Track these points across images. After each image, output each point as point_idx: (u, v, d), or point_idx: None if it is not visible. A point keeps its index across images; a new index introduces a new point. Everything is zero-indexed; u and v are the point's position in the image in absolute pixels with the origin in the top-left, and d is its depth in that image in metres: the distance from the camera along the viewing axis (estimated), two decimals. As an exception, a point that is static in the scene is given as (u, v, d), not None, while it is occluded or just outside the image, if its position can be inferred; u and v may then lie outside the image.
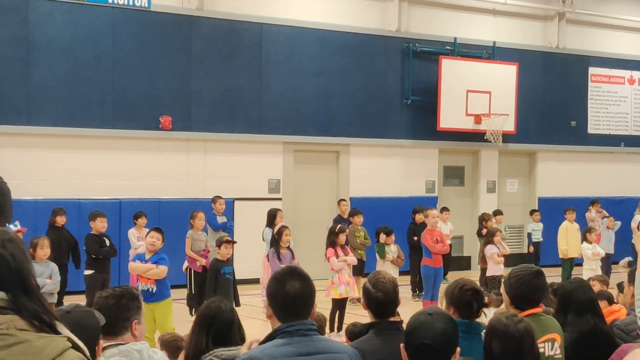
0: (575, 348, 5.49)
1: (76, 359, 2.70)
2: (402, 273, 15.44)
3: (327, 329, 9.95)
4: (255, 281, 15.85)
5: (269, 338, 3.89)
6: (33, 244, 10.65)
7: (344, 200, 17.53)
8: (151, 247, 10.35)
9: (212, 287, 11.63)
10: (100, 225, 13.08)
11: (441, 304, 5.40)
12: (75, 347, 2.72)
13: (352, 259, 12.87)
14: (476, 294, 5.19)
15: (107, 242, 13.08)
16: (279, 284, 3.92)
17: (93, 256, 12.85)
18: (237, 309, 6.61)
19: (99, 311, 4.26)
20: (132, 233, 15.39)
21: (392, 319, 4.92)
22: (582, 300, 5.75)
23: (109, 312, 4.44)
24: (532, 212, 19.86)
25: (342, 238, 12.64)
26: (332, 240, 12.70)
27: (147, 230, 15.22)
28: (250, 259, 16.17)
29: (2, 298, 2.66)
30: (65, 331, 2.74)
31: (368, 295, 4.94)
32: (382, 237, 14.95)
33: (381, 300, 4.88)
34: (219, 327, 4.77)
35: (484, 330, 4.59)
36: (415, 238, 16.07)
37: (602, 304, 7.19)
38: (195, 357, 4.69)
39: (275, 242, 12.83)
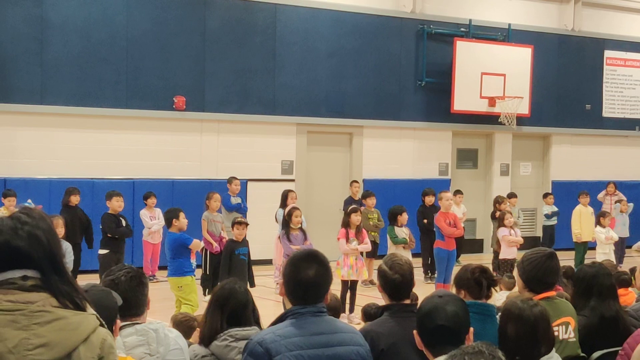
0: (591, 332, 5.49)
1: (107, 335, 2.77)
2: (412, 255, 15.41)
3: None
4: (268, 262, 15.89)
5: (281, 319, 3.94)
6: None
7: (355, 181, 17.51)
8: (186, 227, 11.12)
9: (227, 267, 11.70)
10: (116, 204, 13.08)
11: (452, 289, 5.43)
12: (102, 324, 2.79)
13: (365, 247, 12.62)
14: (483, 272, 5.23)
15: (124, 222, 13.08)
16: (293, 269, 3.97)
17: (109, 235, 12.86)
18: (251, 289, 6.63)
19: (124, 292, 4.30)
20: (144, 213, 15.51)
21: (406, 301, 4.93)
22: (607, 286, 5.73)
23: (135, 292, 4.48)
24: (545, 195, 19.80)
25: (354, 219, 12.53)
26: (345, 222, 12.64)
27: (158, 209, 15.39)
28: (263, 240, 16.19)
29: (36, 277, 2.71)
30: (91, 310, 2.80)
31: (384, 277, 4.94)
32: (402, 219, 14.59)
33: (398, 282, 4.89)
34: (233, 307, 4.79)
35: (499, 314, 4.60)
36: (426, 221, 16.05)
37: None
38: (211, 337, 4.72)
39: (286, 223, 12.83)
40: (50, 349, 2.60)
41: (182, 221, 10.91)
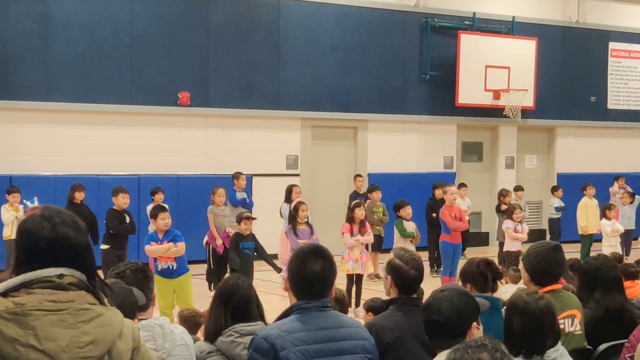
0: (597, 325, 5.48)
1: (134, 325, 2.89)
2: (417, 249, 15.36)
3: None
4: (274, 257, 15.85)
5: (286, 314, 3.95)
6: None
7: (359, 175, 17.51)
8: (166, 228, 10.40)
9: (236, 255, 11.77)
10: (122, 201, 12.99)
11: (458, 282, 5.43)
12: None
13: (367, 239, 12.67)
14: (488, 265, 5.22)
15: (128, 219, 13.03)
16: (299, 263, 3.97)
17: (111, 232, 12.85)
18: (255, 284, 6.62)
19: (129, 285, 4.32)
20: (150, 208, 15.46)
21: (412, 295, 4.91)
22: (611, 278, 5.73)
23: (141, 286, 4.50)
24: (555, 188, 19.74)
25: (358, 213, 12.55)
26: (348, 217, 12.63)
27: (166, 205, 15.35)
28: (268, 234, 16.14)
29: (74, 276, 2.76)
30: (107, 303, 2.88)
31: (400, 273, 4.83)
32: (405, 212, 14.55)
33: (414, 277, 4.83)
34: (236, 303, 4.78)
35: (505, 307, 4.59)
36: (435, 215, 16.02)
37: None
38: (216, 333, 4.72)
39: (292, 218, 12.83)
40: (96, 345, 2.67)
41: (159, 222, 10.48)
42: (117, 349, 2.72)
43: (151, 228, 15.49)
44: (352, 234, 12.37)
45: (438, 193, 16.47)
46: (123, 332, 2.76)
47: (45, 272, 2.71)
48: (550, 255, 5.34)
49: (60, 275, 2.72)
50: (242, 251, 11.85)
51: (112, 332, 2.72)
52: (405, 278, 4.83)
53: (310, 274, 3.93)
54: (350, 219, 12.53)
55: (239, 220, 12.24)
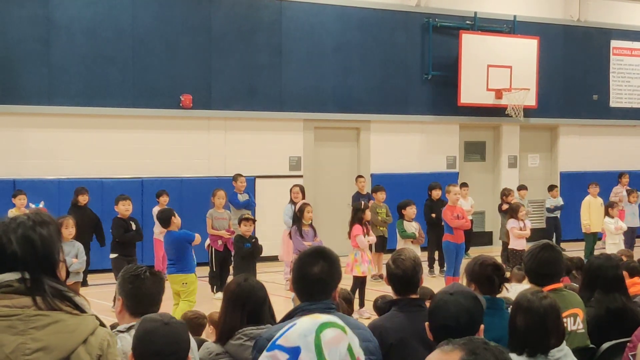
0: (599, 324, 5.49)
1: (107, 335, 2.78)
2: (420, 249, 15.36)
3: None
4: (274, 258, 15.90)
5: (289, 316, 3.97)
6: (58, 223, 10.68)
7: (361, 176, 17.49)
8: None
9: (240, 254, 11.94)
10: (123, 208, 12.79)
11: (462, 280, 5.44)
12: (101, 324, 2.81)
13: (373, 239, 12.90)
14: (497, 269, 5.22)
15: (134, 226, 12.89)
16: (301, 266, 4.02)
17: (117, 240, 12.80)
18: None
19: (149, 287, 4.35)
20: (157, 211, 15.47)
21: (413, 296, 4.95)
22: (610, 278, 5.73)
23: (158, 288, 4.55)
24: (551, 187, 19.76)
25: (368, 214, 12.67)
26: (359, 218, 12.60)
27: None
28: (272, 236, 16.20)
29: (24, 279, 2.71)
30: (90, 310, 2.81)
31: (388, 272, 5.04)
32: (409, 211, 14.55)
33: (399, 277, 4.94)
34: (253, 305, 4.77)
35: (510, 307, 4.61)
36: (434, 215, 16.04)
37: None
38: (230, 336, 4.72)
39: (297, 219, 12.84)
40: (48, 353, 2.62)
41: (178, 219, 11.01)
42: (79, 357, 2.65)
43: (156, 230, 15.58)
44: (363, 236, 12.44)
45: (435, 193, 16.49)
46: (89, 341, 2.69)
47: (5, 276, 2.70)
48: (538, 254, 5.38)
49: (21, 280, 2.70)
50: (247, 252, 11.97)
51: (73, 339, 2.66)
52: (391, 277, 5.00)
53: (309, 275, 3.96)
54: (360, 220, 12.54)
55: (239, 222, 12.32)
